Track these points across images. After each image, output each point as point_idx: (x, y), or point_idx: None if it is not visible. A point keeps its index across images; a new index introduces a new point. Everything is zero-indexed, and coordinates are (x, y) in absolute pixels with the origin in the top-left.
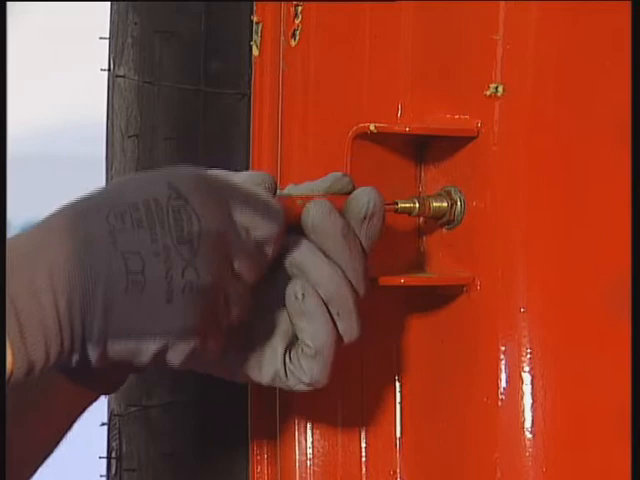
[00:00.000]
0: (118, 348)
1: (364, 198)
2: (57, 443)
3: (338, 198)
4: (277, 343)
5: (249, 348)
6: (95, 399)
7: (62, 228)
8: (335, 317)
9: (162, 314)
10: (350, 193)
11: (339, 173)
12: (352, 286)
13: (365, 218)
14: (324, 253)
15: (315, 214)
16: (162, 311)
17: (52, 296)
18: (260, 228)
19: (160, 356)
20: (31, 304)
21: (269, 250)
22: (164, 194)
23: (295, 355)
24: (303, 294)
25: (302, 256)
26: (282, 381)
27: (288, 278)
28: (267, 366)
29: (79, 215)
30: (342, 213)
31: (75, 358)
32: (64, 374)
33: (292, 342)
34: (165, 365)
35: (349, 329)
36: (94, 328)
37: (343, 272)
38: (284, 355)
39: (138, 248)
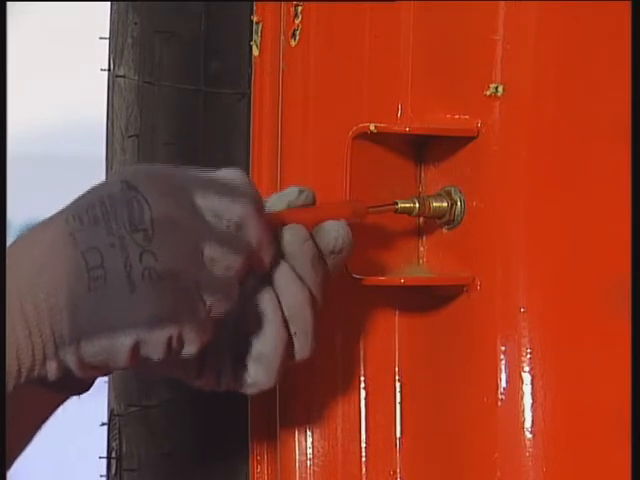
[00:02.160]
0: (93, 349)
1: (333, 234)
2: (24, 447)
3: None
4: (227, 349)
5: (203, 356)
6: (64, 401)
7: (27, 237)
8: (292, 335)
9: (127, 305)
10: (313, 203)
11: (296, 189)
12: (315, 307)
13: (332, 252)
14: (296, 273)
15: (289, 240)
16: (127, 302)
17: (18, 302)
18: (230, 210)
19: (137, 352)
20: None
21: (248, 233)
22: (117, 188)
23: (242, 360)
24: (268, 304)
25: (277, 272)
26: (231, 386)
27: (251, 289)
28: (220, 373)
29: (43, 223)
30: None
31: (51, 366)
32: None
33: (240, 348)
34: (147, 365)
35: (301, 349)
36: (64, 330)
37: (310, 293)
38: (233, 362)
39: (95, 243)
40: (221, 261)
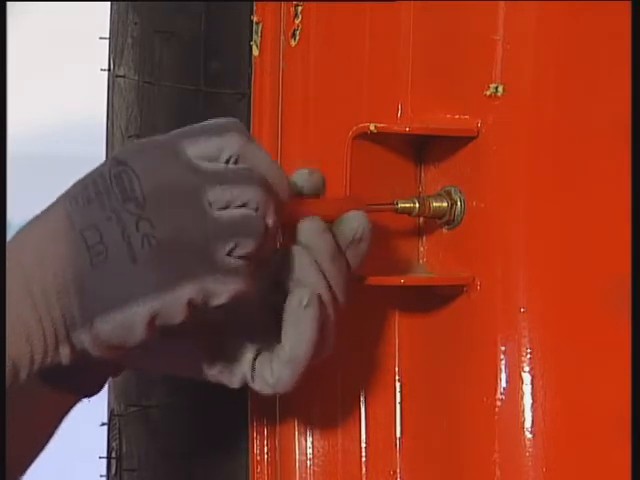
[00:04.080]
0: (108, 326)
1: (354, 223)
2: (39, 450)
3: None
4: (247, 348)
5: (220, 351)
6: (75, 403)
7: (28, 226)
8: None
9: (132, 275)
10: (324, 184)
11: (306, 170)
12: (336, 304)
13: (353, 242)
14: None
15: (308, 230)
16: (131, 272)
17: (26, 289)
18: (223, 147)
19: (154, 321)
20: (7, 300)
21: (250, 162)
22: (107, 167)
23: (266, 359)
24: (308, 303)
25: (304, 268)
26: (250, 384)
27: (269, 285)
28: (237, 370)
29: (43, 212)
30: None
31: (65, 351)
32: (42, 379)
33: (262, 347)
34: (171, 329)
35: (326, 346)
36: (74, 311)
37: (330, 289)
38: (253, 360)
39: (92, 221)
40: (229, 198)
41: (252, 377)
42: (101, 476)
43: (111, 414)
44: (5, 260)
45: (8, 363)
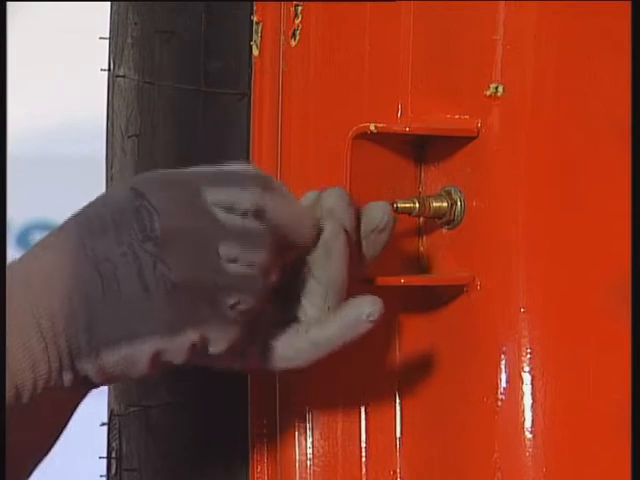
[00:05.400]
0: (113, 359)
1: (379, 211)
2: (50, 447)
3: None
4: (296, 324)
5: (271, 334)
6: (84, 396)
7: (38, 246)
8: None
9: (143, 312)
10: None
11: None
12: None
13: (374, 230)
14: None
15: (336, 199)
16: (143, 309)
17: (32, 313)
18: (242, 199)
19: (158, 358)
20: (12, 326)
21: (269, 218)
22: (125, 197)
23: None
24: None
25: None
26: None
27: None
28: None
29: (52, 235)
30: None
31: (67, 377)
32: None
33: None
34: (171, 367)
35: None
36: (81, 341)
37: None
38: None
39: (107, 254)
40: (241, 259)
41: (277, 358)
42: (101, 476)
43: (111, 414)
44: (5, 260)
45: (11, 387)
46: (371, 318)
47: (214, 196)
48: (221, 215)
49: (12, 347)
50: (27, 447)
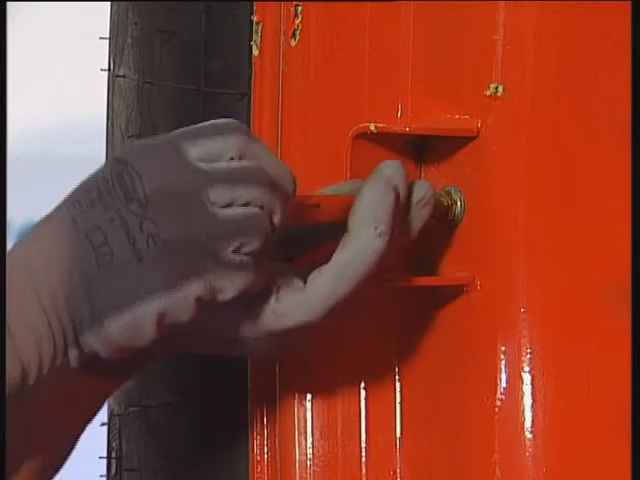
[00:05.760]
0: (117, 327)
1: (425, 187)
2: (78, 435)
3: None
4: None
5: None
6: (117, 387)
7: (33, 231)
8: None
9: (139, 274)
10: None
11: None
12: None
13: (420, 202)
14: None
15: (392, 167)
16: (138, 272)
17: (35, 294)
18: (224, 148)
19: (164, 318)
20: (15, 309)
21: (254, 160)
22: (108, 168)
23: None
24: (381, 232)
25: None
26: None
27: None
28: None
29: (47, 216)
30: None
31: (73, 354)
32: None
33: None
34: (183, 330)
35: None
36: (83, 314)
37: None
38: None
39: (96, 222)
40: (231, 197)
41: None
42: (101, 476)
43: (111, 414)
44: (5, 260)
45: (18, 366)
46: (379, 231)
47: (196, 149)
48: (206, 166)
49: (16, 327)
50: (54, 434)
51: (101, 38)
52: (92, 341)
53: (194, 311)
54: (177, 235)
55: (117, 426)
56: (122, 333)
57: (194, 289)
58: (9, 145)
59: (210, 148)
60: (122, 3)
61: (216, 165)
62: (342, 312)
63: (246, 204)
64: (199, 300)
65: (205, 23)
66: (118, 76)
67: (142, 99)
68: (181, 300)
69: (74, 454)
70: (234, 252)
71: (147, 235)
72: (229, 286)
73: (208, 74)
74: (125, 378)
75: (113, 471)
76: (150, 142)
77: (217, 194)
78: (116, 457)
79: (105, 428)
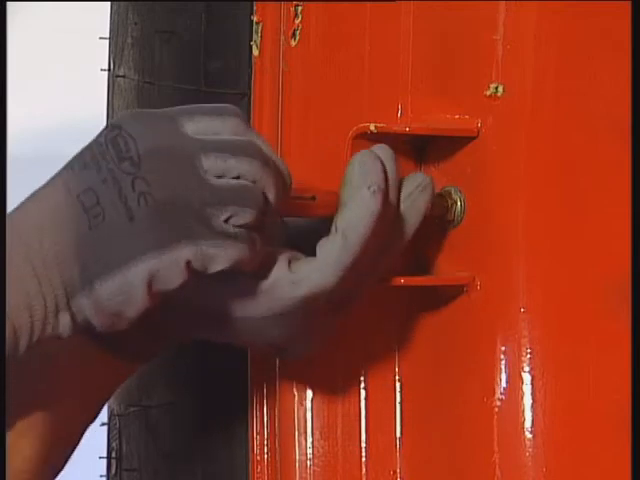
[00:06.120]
0: (108, 290)
1: (421, 175)
2: (92, 417)
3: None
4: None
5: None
6: (133, 370)
7: (29, 198)
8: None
9: (130, 234)
10: None
11: None
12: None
13: (418, 187)
14: None
15: (384, 150)
16: (129, 232)
17: (26, 257)
18: (222, 128)
19: (153, 282)
20: (7, 273)
21: (243, 138)
22: (103, 133)
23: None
24: (374, 190)
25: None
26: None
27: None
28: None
29: (41, 187)
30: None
31: (64, 319)
32: (99, 346)
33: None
34: (172, 294)
35: None
36: (74, 275)
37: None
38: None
39: (88, 184)
40: (224, 167)
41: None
42: (101, 476)
43: (111, 414)
44: (5, 260)
45: (9, 330)
46: (372, 190)
47: (193, 125)
48: (199, 139)
49: (8, 290)
50: (68, 412)
51: (101, 38)
52: (83, 305)
53: (185, 277)
54: (169, 195)
55: (117, 426)
56: (112, 295)
57: (185, 252)
58: (9, 145)
59: (206, 125)
60: (122, 3)
61: (212, 136)
62: (355, 280)
63: (238, 177)
64: (189, 266)
65: (205, 23)
66: (118, 76)
67: (142, 99)
68: (172, 263)
69: (74, 454)
70: (226, 222)
71: (139, 194)
72: (221, 255)
73: (208, 74)
74: (139, 361)
75: (113, 471)
76: (146, 111)
77: (210, 162)
78: (116, 457)
79: (105, 428)
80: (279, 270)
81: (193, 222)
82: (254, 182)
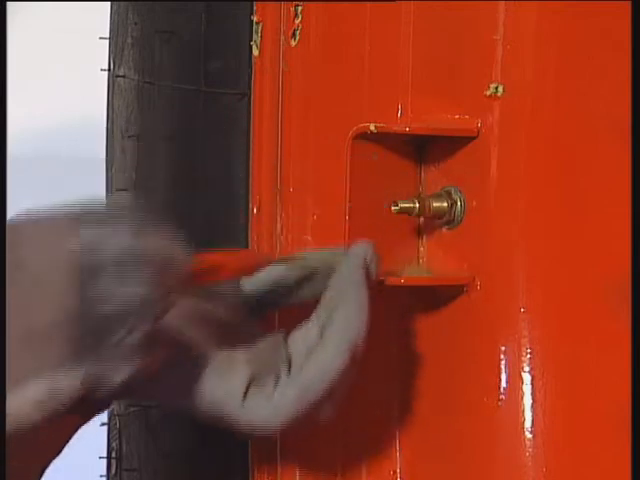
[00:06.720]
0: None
1: (365, 249)
2: (44, 468)
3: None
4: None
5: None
6: (80, 425)
7: None
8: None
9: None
10: None
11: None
12: None
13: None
14: None
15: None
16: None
17: None
18: (109, 240)
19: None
20: None
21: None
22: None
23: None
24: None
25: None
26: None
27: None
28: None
29: None
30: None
31: None
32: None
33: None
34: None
35: None
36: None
37: None
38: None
39: None
40: (115, 292)
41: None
42: (101, 476)
43: (111, 414)
44: (5, 259)
45: None
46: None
47: (86, 237)
48: (91, 256)
49: None
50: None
51: (101, 38)
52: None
53: (72, 402)
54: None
55: (117, 426)
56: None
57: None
58: (9, 145)
59: (98, 237)
60: (122, 3)
61: (100, 258)
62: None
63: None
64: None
65: (205, 23)
66: (118, 76)
67: (142, 99)
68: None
69: (74, 454)
70: (117, 343)
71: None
72: (104, 377)
73: (208, 74)
74: (89, 416)
75: (113, 471)
76: (47, 217)
77: (102, 286)
78: (116, 457)
79: (105, 428)
80: (234, 389)
81: (60, 355)
82: (148, 294)
